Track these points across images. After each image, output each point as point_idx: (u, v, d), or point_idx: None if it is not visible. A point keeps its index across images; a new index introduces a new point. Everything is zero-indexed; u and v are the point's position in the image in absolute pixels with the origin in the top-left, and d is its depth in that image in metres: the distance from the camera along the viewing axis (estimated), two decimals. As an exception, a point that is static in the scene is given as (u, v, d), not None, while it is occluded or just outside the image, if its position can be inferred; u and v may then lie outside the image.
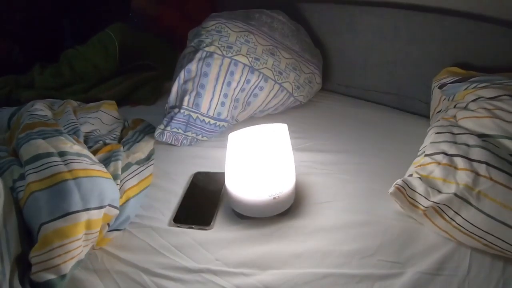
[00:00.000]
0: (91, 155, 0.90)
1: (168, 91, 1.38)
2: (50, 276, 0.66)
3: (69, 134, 1.02)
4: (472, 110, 0.93)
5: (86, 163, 0.82)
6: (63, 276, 0.68)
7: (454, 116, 0.97)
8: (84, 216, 0.70)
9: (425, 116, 1.26)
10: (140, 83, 1.77)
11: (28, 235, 0.73)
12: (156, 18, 2.14)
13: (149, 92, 1.72)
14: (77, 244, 0.70)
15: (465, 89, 1.03)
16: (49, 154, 0.81)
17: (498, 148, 0.82)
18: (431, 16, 1.30)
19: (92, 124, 1.21)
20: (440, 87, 1.13)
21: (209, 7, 2.18)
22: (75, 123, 1.15)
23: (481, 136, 0.86)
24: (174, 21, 2.12)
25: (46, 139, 0.87)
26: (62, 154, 0.81)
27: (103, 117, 1.28)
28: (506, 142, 0.83)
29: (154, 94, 1.73)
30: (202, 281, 0.72)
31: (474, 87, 1.01)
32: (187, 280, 0.72)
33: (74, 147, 0.87)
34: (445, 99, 1.11)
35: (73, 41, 4.12)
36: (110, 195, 0.77)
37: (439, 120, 1.00)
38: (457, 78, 1.10)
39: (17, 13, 4.17)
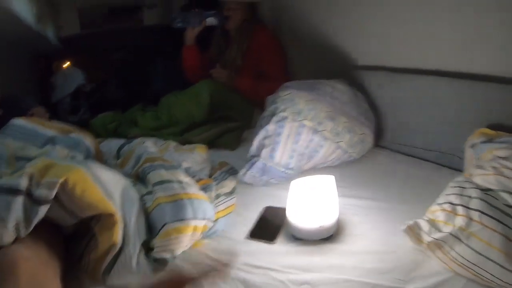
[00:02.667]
0: (196, 185, 1.29)
1: (246, 140, 1.75)
2: (167, 255, 1.04)
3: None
4: (484, 169, 1.13)
5: (195, 189, 1.21)
6: (174, 257, 1.05)
7: (471, 174, 1.17)
8: (193, 223, 1.08)
9: (462, 171, 1.37)
10: (224, 132, 2.12)
11: (149, 230, 1.10)
12: (234, 87, 2.47)
13: (231, 140, 2.07)
14: (186, 239, 1.07)
15: (488, 149, 1.21)
16: (170, 180, 1.20)
17: (495, 200, 1.02)
18: (467, 82, 1.55)
19: (189, 162, 1.59)
20: (472, 147, 1.31)
21: (281, 65, 2.55)
22: (177, 160, 1.55)
23: (484, 190, 1.06)
24: (249, 87, 2.46)
25: (167, 170, 1.27)
26: (179, 182, 1.20)
27: (196, 158, 1.64)
28: (504, 195, 1.02)
29: (235, 141, 2.07)
30: (264, 274, 1.05)
31: (494, 148, 1.20)
32: (256, 273, 1.06)
33: (186, 178, 1.26)
34: (474, 157, 1.28)
35: (161, 83, 4.68)
36: (209, 213, 1.15)
37: (459, 177, 1.21)
38: (485, 139, 1.28)
39: (114, 54, 4.81)
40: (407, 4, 1.80)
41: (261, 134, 1.58)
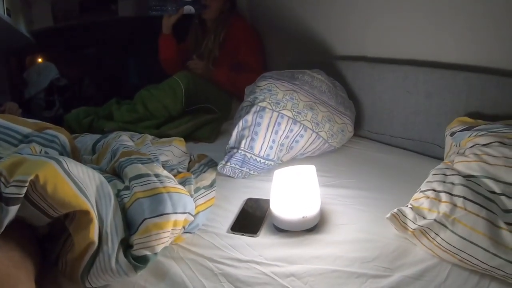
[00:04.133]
0: (174, 178, 1.25)
1: (225, 131, 1.72)
2: (147, 253, 0.99)
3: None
4: (466, 156, 1.15)
5: (173, 182, 1.17)
6: (155, 254, 1.01)
7: (452, 161, 1.18)
8: (173, 217, 1.04)
9: (442, 159, 1.40)
10: (202, 124, 2.10)
11: (127, 227, 1.06)
12: (211, 78, 2.48)
13: (209, 132, 2.06)
14: (166, 235, 1.03)
15: (468, 136, 1.23)
16: (148, 175, 1.16)
17: (478, 186, 1.03)
18: (446, 72, 1.55)
19: (167, 156, 1.56)
20: (451, 135, 1.34)
21: (258, 55, 2.55)
22: (155, 154, 1.51)
23: (467, 176, 1.07)
24: (227, 79, 2.45)
25: (144, 164, 1.23)
26: (157, 175, 1.16)
27: (174, 151, 1.62)
28: (486, 181, 1.03)
29: (213, 133, 2.07)
30: (249, 268, 1.02)
31: (474, 135, 1.21)
32: (239, 266, 1.03)
33: (164, 172, 1.22)
34: (454, 145, 1.31)
35: (137, 78, 4.62)
36: (189, 207, 1.11)
37: (440, 164, 1.22)
38: (464, 127, 1.30)
39: (89, 48, 4.72)
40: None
41: (240, 125, 1.55)
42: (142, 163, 1.23)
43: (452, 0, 1.53)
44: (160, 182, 1.12)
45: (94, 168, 1.45)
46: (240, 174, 1.51)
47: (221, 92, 2.40)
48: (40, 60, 4.23)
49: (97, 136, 1.87)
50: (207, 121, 2.15)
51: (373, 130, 1.89)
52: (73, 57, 4.52)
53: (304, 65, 1.88)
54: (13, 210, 0.86)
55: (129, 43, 4.44)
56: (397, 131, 1.78)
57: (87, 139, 1.84)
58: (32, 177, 0.88)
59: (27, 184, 0.87)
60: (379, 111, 1.84)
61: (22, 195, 0.87)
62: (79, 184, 0.97)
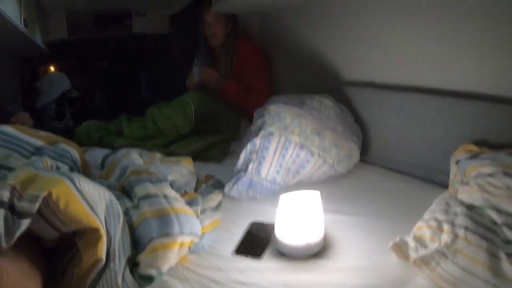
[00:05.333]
0: (182, 199, 1.27)
1: (233, 152, 1.74)
2: (153, 272, 1.01)
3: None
4: (470, 186, 1.16)
5: (181, 204, 1.19)
6: (161, 274, 1.03)
7: (456, 190, 1.19)
8: (179, 238, 1.06)
9: (447, 186, 1.37)
10: (210, 145, 2.13)
11: (134, 245, 1.08)
12: (222, 90, 2.55)
13: (217, 152, 2.08)
14: (173, 255, 1.05)
15: (473, 165, 1.23)
16: (157, 195, 1.19)
17: (480, 216, 1.04)
18: (452, 99, 1.57)
19: (175, 175, 1.59)
20: (457, 163, 1.34)
21: (265, 79, 2.59)
22: (164, 174, 1.54)
23: (470, 206, 1.09)
24: (237, 94, 2.52)
25: (153, 184, 1.26)
26: (165, 196, 1.19)
27: (182, 170, 1.65)
28: (489, 211, 1.05)
29: (222, 154, 2.09)
30: (252, 291, 1.04)
31: (479, 164, 1.22)
32: (241, 289, 1.05)
33: (172, 192, 1.25)
34: (459, 173, 1.30)
35: (147, 93, 4.68)
36: (196, 228, 1.14)
37: (444, 193, 1.23)
38: (470, 155, 1.31)
39: (101, 61, 4.79)
40: (393, 22, 1.84)
41: (248, 149, 1.58)
42: (151, 183, 1.25)
43: (460, 28, 1.56)
44: (168, 203, 1.15)
45: (102, 184, 1.48)
46: (246, 197, 1.53)
47: (230, 112, 2.44)
48: (53, 70, 4.30)
49: (107, 151, 1.90)
50: (215, 142, 2.17)
51: (379, 155, 1.91)
52: (85, 69, 4.61)
53: (313, 89, 1.91)
54: (25, 223, 0.89)
55: (141, 58, 4.52)
56: (403, 157, 1.79)
57: (96, 154, 1.88)
58: (45, 193, 0.91)
59: (40, 200, 0.90)
60: (386, 136, 1.87)
61: (35, 210, 0.90)
62: (90, 202, 0.99)
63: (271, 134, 1.57)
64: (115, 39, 4.48)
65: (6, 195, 0.90)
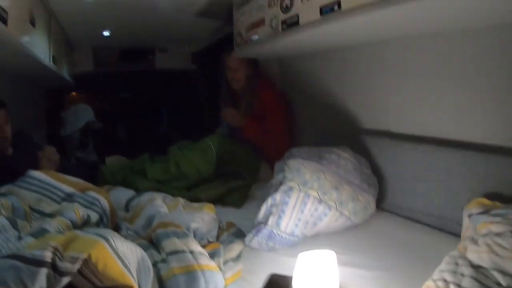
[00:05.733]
0: (206, 253, 1.35)
1: (252, 196, 1.80)
2: None
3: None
4: (478, 245, 1.17)
5: (206, 259, 1.27)
6: None
7: (466, 247, 1.21)
8: (205, 295, 1.14)
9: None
10: (231, 190, 2.20)
11: None
12: (242, 128, 2.65)
13: (237, 198, 2.15)
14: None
15: (484, 222, 1.25)
16: (184, 251, 1.27)
17: (487, 278, 1.05)
18: (467, 152, 1.61)
19: (197, 223, 1.66)
20: (469, 216, 1.35)
21: (284, 123, 2.66)
22: (187, 222, 1.62)
23: (477, 267, 1.10)
24: (256, 132, 2.61)
25: (179, 238, 1.34)
26: (192, 252, 1.27)
27: (205, 217, 1.73)
28: (495, 273, 1.06)
29: (241, 200, 2.16)
30: None
31: (489, 221, 1.23)
32: None
33: (197, 247, 1.33)
34: (471, 227, 1.32)
35: (167, 128, 4.81)
36: (220, 283, 1.22)
37: (454, 250, 1.25)
38: (481, 210, 1.32)
39: (124, 95, 4.92)
40: (411, 74, 1.92)
41: (268, 202, 1.65)
42: (178, 238, 1.34)
43: (475, 81, 1.62)
44: (195, 259, 1.24)
45: (128, 229, 1.57)
46: (266, 247, 1.60)
47: (250, 155, 2.53)
48: (77, 101, 4.46)
49: (131, 192, 1.99)
50: (236, 187, 2.24)
51: (394, 203, 1.96)
52: (108, 102, 4.77)
53: (331, 135, 1.98)
54: (65, 280, 0.99)
55: (162, 94, 4.67)
56: (418, 206, 1.83)
57: (120, 194, 1.96)
58: (85, 255, 1.00)
59: (80, 261, 0.99)
60: (401, 186, 1.92)
61: (75, 270, 0.99)
62: (125, 261, 1.08)
63: (290, 189, 1.65)
64: (138, 73, 4.64)
65: (49, 256, 0.99)
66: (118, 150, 3.11)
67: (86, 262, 1.01)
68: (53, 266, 0.99)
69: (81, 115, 4.32)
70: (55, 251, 1.01)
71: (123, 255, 1.09)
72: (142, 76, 4.69)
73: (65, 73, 3.76)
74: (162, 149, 2.66)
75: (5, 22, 1.71)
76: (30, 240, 1.24)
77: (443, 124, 1.80)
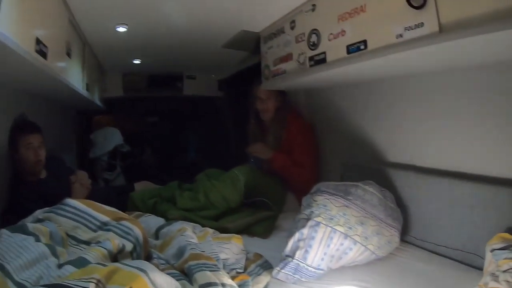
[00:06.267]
0: (236, 286, 1.41)
1: (278, 226, 1.85)
2: None
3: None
4: (499, 282, 1.20)
5: (237, 293, 1.34)
6: None
7: (486, 283, 1.24)
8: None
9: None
10: (258, 220, 2.24)
11: None
12: (269, 160, 2.71)
13: (264, 228, 2.19)
14: None
15: (505, 258, 1.28)
16: (216, 284, 1.33)
17: None
18: (489, 187, 1.64)
19: (226, 254, 1.73)
20: (491, 251, 1.36)
21: (312, 155, 2.71)
22: (217, 253, 1.68)
23: None
24: (284, 165, 2.66)
25: (212, 272, 1.40)
26: (223, 284, 1.33)
27: (233, 248, 1.79)
28: None
29: (268, 230, 2.20)
30: None
31: (510, 258, 1.26)
32: None
33: (228, 280, 1.39)
34: (493, 262, 1.33)
35: (194, 153, 4.90)
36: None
37: (475, 287, 1.27)
38: (504, 245, 1.34)
39: (152, 119, 5.04)
40: (435, 108, 1.97)
41: (296, 237, 1.70)
42: (210, 271, 1.39)
43: (497, 116, 1.67)
44: None
45: (160, 258, 1.63)
46: (292, 280, 1.64)
47: (277, 187, 2.58)
48: (106, 125, 4.60)
49: (161, 220, 2.05)
50: (263, 218, 2.28)
51: (418, 237, 1.98)
52: (136, 126, 4.90)
53: (356, 169, 2.02)
54: None
55: (190, 119, 4.78)
56: (441, 240, 1.86)
57: (150, 222, 2.03)
58: (126, 288, 1.06)
59: (122, 293, 1.06)
60: (425, 219, 1.95)
61: None
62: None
63: (317, 224, 1.70)
64: (166, 98, 4.77)
65: (94, 286, 1.06)
66: (145, 174, 3.20)
67: (128, 294, 1.07)
68: (97, 297, 1.06)
69: (110, 138, 4.45)
70: (98, 283, 1.08)
71: (159, 287, 1.15)
72: (169, 101, 4.82)
73: (96, 98, 3.90)
74: (189, 175, 2.74)
75: (45, 56, 1.82)
76: (71, 269, 1.31)
77: (466, 158, 1.84)
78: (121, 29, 2.76)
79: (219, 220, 2.25)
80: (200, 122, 4.73)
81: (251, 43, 3.08)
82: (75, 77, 2.74)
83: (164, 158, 4.72)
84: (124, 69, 4.55)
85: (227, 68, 4.22)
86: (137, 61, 4.08)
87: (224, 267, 1.60)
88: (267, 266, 1.72)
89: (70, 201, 1.77)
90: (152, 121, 5.01)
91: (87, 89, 3.24)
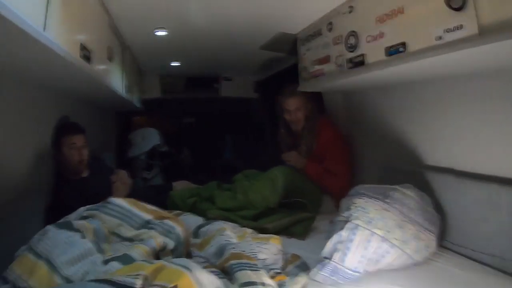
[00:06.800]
0: (275, 286, 1.43)
1: (315, 228, 1.86)
2: None
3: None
4: None
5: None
6: None
7: None
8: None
9: None
10: (296, 221, 2.25)
11: None
12: (303, 169, 2.70)
13: (302, 229, 2.20)
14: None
15: None
16: (256, 283, 1.36)
17: None
18: None
19: (265, 254, 1.75)
20: None
21: (344, 162, 2.70)
22: (256, 253, 1.71)
23: None
24: (317, 173, 2.66)
25: (253, 271, 1.44)
26: (263, 284, 1.36)
27: (272, 249, 1.81)
28: None
29: (305, 231, 2.21)
30: None
31: None
32: None
33: (268, 280, 1.42)
34: None
35: (231, 154, 4.95)
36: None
37: None
38: None
39: (189, 120, 5.11)
40: (475, 110, 1.93)
41: (334, 239, 1.72)
42: (251, 270, 1.43)
43: None
44: None
45: (199, 256, 1.68)
46: (328, 282, 1.66)
47: (315, 188, 2.59)
48: (145, 125, 4.71)
49: (200, 219, 2.10)
50: (301, 219, 2.29)
51: (456, 242, 1.95)
52: (174, 126, 5.01)
53: (393, 172, 2.00)
54: None
55: (226, 120, 4.84)
56: (479, 246, 1.82)
57: (190, 220, 2.08)
58: (172, 285, 1.11)
59: (167, 291, 1.10)
60: (463, 225, 1.91)
61: None
62: (205, 291, 1.18)
63: (356, 227, 1.70)
64: (203, 100, 4.85)
65: (139, 283, 1.11)
66: (182, 174, 3.26)
67: (173, 291, 1.12)
68: (143, 293, 1.10)
69: (148, 138, 4.55)
70: (145, 279, 1.12)
71: (203, 285, 1.19)
72: (206, 103, 4.90)
73: (135, 99, 4.02)
74: (225, 175, 2.78)
75: (88, 61, 1.90)
76: (117, 265, 1.37)
77: (507, 163, 1.79)
78: (161, 32, 2.84)
79: (258, 220, 2.28)
80: (236, 123, 4.78)
81: (288, 45, 3.10)
82: (115, 79, 2.84)
83: (200, 158, 4.79)
84: (162, 71, 4.65)
85: (263, 69, 4.26)
86: (175, 63, 4.17)
87: (263, 267, 1.63)
88: (305, 267, 1.73)
89: (114, 199, 1.84)
90: (188, 122, 5.09)
91: (127, 91, 3.35)
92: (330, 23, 2.41)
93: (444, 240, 2.00)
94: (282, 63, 3.79)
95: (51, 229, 1.48)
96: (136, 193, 2.43)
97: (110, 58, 2.54)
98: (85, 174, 2.58)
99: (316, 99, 2.93)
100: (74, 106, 2.85)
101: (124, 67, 3.16)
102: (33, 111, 2.11)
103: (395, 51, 1.82)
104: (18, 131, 1.95)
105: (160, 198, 2.59)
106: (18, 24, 1.11)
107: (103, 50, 2.34)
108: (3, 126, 1.78)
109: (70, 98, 2.77)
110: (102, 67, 2.31)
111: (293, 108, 2.79)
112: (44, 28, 1.31)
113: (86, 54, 1.86)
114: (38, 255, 1.34)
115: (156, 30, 2.80)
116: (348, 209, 1.81)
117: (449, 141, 2.11)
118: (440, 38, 1.55)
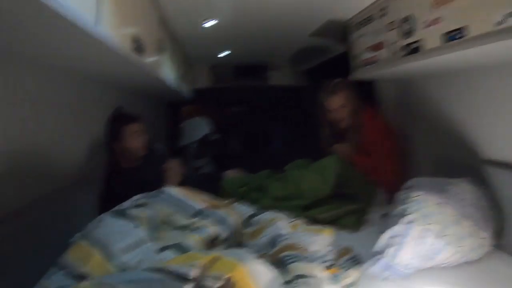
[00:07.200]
0: (328, 278, 1.43)
1: (367, 221, 1.82)
2: None
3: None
4: None
5: (329, 285, 1.35)
6: None
7: None
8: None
9: None
10: (348, 212, 2.23)
11: None
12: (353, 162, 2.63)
13: (354, 221, 2.17)
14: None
15: None
16: (310, 275, 1.37)
17: None
18: None
19: (318, 246, 1.75)
20: None
21: (393, 156, 2.62)
22: (308, 244, 1.70)
23: None
24: (366, 168, 2.60)
25: (304, 263, 1.44)
26: (315, 277, 1.36)
27: (324, 240, 1.81)
28: None
29: (357, 224, 2.18)
30: None
31: None
32: None
33: (321, 272, 1.42)
34: None
35: (280, 143, 4.95)
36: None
37: None
38: None
39: (238, 108, 5.11)
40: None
41: (388, 233, 1.69)
42: (303, 262, 1.45)
43: None
44: (318, 285, 1.34)
45: (252, 245, 1.70)
46: (381, 276, 1.64)
47: (367, 180, 2.54)
48: (194, 114, 4.79)
49: (250, 209, 2.11)
50: (352, 210, 2.26)
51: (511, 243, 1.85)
52: (223, 115, 5.07)
53: (449, 166, 1.92)
54: None
55: (275, 109, 4.85)
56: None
57: (242, 209, 2.10)
58: (227, 276, 1.13)
59: (222, 281, 1.12)
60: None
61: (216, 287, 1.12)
62: (259, 283, 1.19)
63: (411, 222, 1.66)
64: (252, 88, 4.87)
65: (194, 273, 1.13)
66: (233, 163, 3.29)
67: (227, 282, 1.13)
68: (197, 283, 1.12)
69: (198, 127, 4.63)
70: (200, 269, 1.15)
71: (257, 277, 1.20)
72: (255, 91, 4.92)
73: (185, 89, 4.09)
74: (275, 164, 2.77)
75: (140, 54, 1.94)
76: (171, 254, 1.40)
77: None
78: (211, 23, 2.86)
79: (309, 210, 2.26)
80: (285, 112, 4.76)
81: (337, 33, 3.04)
82: (166, 71, 2.90)
83: (250, 147, 4.83)
84: (210, 61, 4.71)
85: (312, 57, 4.21)
86: (223, 53, 4.20)
87: (315, 259, 1.63)
88: (357, 261, 1.72)
89: (167, 189, 1.89)
90: (238, 111, 5.13)
91: (177, 82, 3.41)
92: (383, 9, 2.33)
93: (501, 240, 1.88)
94: (331, 51, 3.73)
95: (106, 217, 1.53)
96: (188, 182, 2.48)
97: (160, 50, 2.58)
98: (138, 163, 2.65)
99: (361, 90, 2.81)
100: (126, 98, 2.93)
101: (173, 58, 3.22)
102: (85, 103, 2.18)
103: (453, 37, 1.74)
104: (72, 123, 2.03)
105: (211, 186, 2.63)
106: (70, 19, 1.11)
107: (153, 42, 2.39)
108: (58, 118, 1.85)
109: (122, 90, 2.85)
110: (153, 59, 2.36)
111: (337, 106, 2.69)
112: (96, 22, 1.33)
113: (138, 47, 1.90)
114: (93, 243, 1.38)
115: (205, 21, 2.84)
116: (404, 203, 1.76)
117: (510, 134, 1.99)
118: (500, 22, 1.46)
